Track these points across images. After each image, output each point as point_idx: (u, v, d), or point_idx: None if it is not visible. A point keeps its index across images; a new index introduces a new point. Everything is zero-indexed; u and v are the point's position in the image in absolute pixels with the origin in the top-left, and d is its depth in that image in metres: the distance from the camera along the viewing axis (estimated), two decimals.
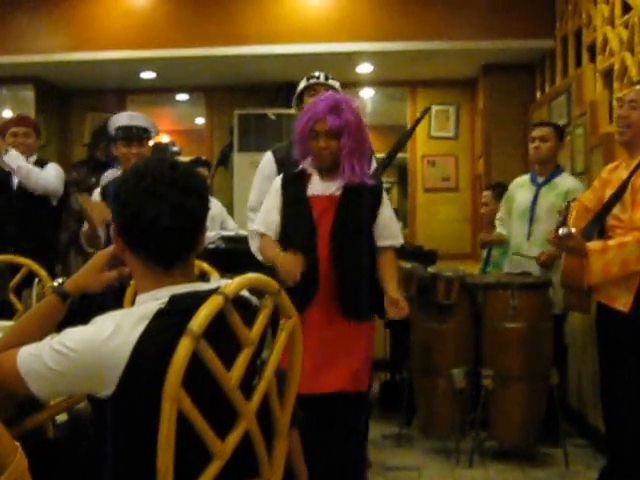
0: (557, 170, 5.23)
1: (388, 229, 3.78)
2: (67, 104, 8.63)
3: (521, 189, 5.34)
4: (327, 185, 3.70)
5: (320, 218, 3.64)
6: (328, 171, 3.70)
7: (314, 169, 3.74)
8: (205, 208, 2.03)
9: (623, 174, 3.77)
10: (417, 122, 5.66)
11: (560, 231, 3.70)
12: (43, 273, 3.72)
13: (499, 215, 5.61)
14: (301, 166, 3.79)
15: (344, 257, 3.62)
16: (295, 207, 3.72)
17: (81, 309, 2.24)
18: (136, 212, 1.93)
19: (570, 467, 4.66)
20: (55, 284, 2.22)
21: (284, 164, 4.26)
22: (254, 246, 4.25)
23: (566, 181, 5.16)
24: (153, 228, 1.92)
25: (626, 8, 5.18)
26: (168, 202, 1.92)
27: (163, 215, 1.91)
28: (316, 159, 3.70)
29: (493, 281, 4.89)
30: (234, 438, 1.89)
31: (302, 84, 4.41)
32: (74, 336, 1.85)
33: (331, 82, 4.36)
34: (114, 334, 1.81)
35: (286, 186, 3.78)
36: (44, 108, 7.94)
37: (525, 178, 5.39)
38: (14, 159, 5.38)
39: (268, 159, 4.41)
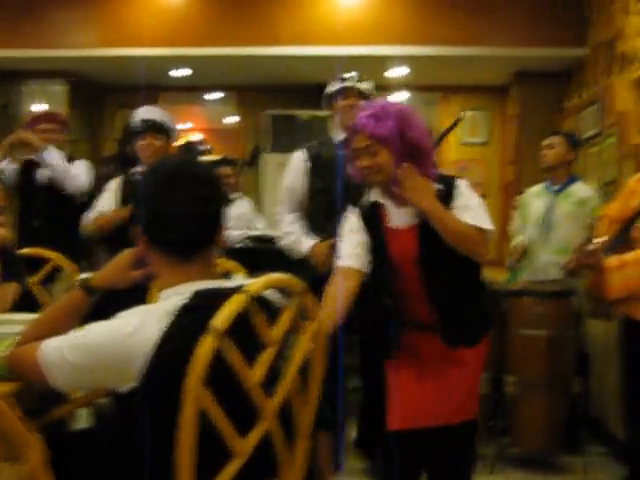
0: (572, 179, 5.33)
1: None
2: (99, 100, 8.68)
3: (536, 197, 5.41)
4: (403, 212, 3.21)
5: (403, 251, 3.18)
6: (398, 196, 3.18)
7: (384, 198, 3.25)
8: (219, 200, 2.09)
9: None
10: (446, 132, 5.59)
11: (589, 247, 3.68)
12: (69, 267, 3.75)
13: (514, 225, 5.67)
14: (371, 197, 3.29)
15: (439, 289, 3.18)
16: (374, 245, 3.23)
17: (108, 305, 2.26)
18: (155, 206, 1.98)
19: (589, 475, 4.64)
20: (81, 278, 2.25)
21: (316, 161, 4.30)
22: (285, 242, 4.32)
23: (581, 190, 5.28)
24: (171, 217, 1.97)
25: None
26: (183, 192, 1.98)
27: (179, 204, 1.97)
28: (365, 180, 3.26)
29: (518, 288, 4.89)
30: (254, 437, 1.89)
31: (334, 86, 4.38)
32: (97, 330, 1.88)
33: (363, 86, 4.33)
34: (137, 329, 1.82)
35: (365, 222, 3.27)
36: (76, 103, 7.99)
37: (540, 187, 5.48)
38: (52, 157, 5.42)
39: (299, 156, 4.44)
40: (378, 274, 3.21)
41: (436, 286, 3.18)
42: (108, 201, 4.81)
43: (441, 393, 3.23)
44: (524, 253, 5.47)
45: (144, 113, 4.81)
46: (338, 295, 3.04)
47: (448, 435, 3.26)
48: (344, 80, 4.34)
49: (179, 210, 1.97)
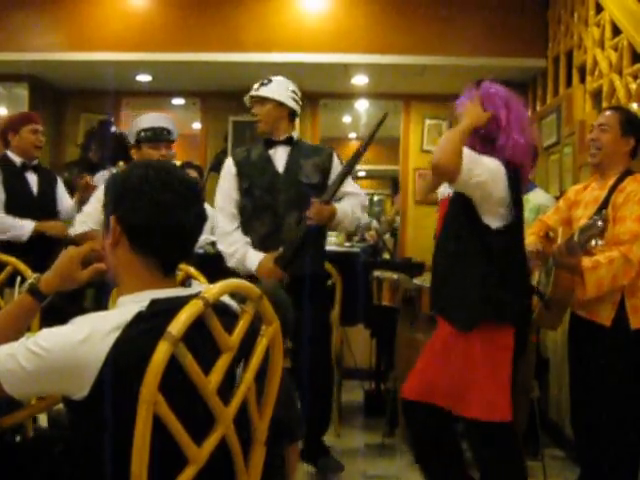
0: (530, 186, 5.31)
1: None
2: (61, 104, 8.61)
3: None
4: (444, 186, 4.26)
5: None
6: None
7: None
8: (204, 212, 2.05)
9: (596, 194, 3.83)
10: (375, 130, 5.30)
11: (597, 242, 3.63)
12: (29, 273, 3.72)
13: None
14: None
15: (440, 256, 3.64)
16: None
17: (67, 309, 2.25)
18: (164, 215, 1.92)
19: (548, 479, 4.70)
20: (29, 282, 2.22)
21: (240, 164, 4.39)
22: (231, 264, 4.50)
23: (538, 197, 5.29)
24: (177, 233, 1.95)
25: (616, 31, 5.25)
26: (192, 210, 1.95)
27: (189, 222, 1.95)
28: None
29: None
30: (210, 443, 1.88)
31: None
32: (50, 336, 1.83)
33: (262, 92, 4.39)
34: (90, 336, 1.78)
35: None
36: (38, 107, 7.93)
37: None
38: None
39: (227, 162, 4.61)
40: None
41: (439, 253, 3.53)
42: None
43: (442, 374, 3.47)
44: None
45: (154, 120, 4.72)
46: None
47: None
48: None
49: (185, 228, 1.95)
